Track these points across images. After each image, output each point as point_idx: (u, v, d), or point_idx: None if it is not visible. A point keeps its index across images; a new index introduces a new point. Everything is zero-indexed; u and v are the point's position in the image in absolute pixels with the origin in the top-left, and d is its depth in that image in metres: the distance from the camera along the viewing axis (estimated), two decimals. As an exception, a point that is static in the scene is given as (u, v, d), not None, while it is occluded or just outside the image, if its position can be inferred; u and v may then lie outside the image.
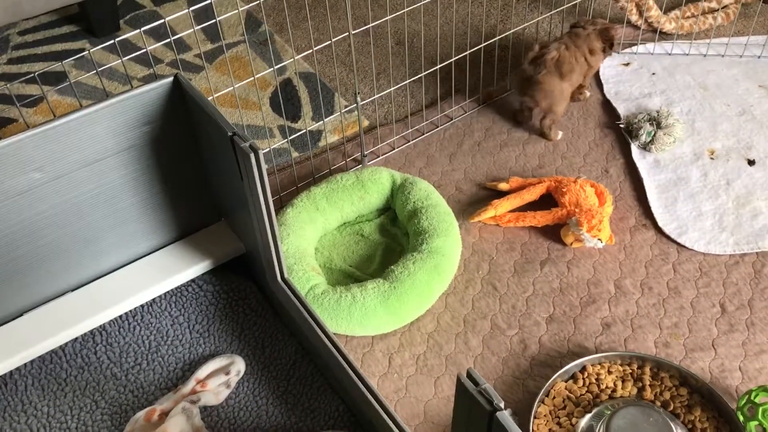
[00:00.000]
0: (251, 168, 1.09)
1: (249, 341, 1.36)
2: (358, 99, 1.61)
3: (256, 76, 1.56)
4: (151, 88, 1.21)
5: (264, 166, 1.09)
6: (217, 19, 1.33)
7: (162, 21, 1.31)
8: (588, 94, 1.88)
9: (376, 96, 1.74)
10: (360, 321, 1.35)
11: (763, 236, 1.52)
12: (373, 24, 1.57)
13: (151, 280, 1.39)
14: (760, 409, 1.17)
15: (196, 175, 1.38)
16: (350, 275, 1.49)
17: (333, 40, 1.50)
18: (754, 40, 2.01)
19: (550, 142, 1.77)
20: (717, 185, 1.64)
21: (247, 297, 1.42)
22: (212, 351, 1.35)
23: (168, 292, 1.44)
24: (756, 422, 1.17)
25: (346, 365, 1.13)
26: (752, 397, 1.19)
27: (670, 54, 2.00)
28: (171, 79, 1.22)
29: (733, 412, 1.21)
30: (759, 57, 1.97)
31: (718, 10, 2.08)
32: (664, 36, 2.05)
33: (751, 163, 1.68)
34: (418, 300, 1.38)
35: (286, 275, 1.28)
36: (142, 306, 1.42)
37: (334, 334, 1.40)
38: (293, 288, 1.26)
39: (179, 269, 1.41)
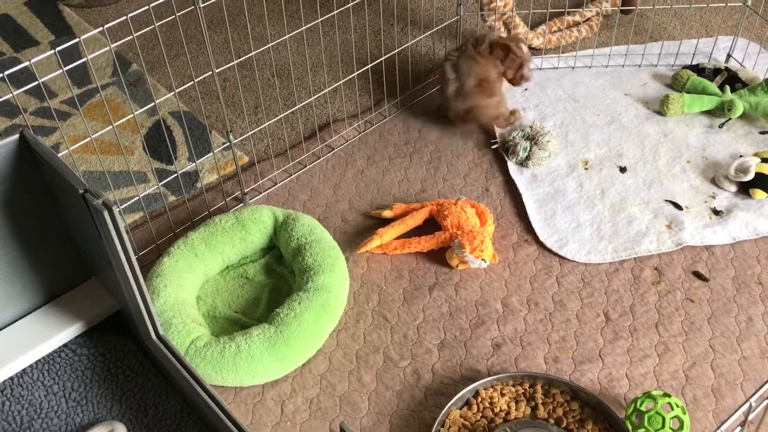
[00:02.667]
0: (106, 225, 1.02)
1: (131, 404, 1.28)
2: (231, 136, 1.57)
3: (118, 122, 1.49)
4: (-6, 149, 1.13)
5: (121, 222, 1.03)
6: (87, 59, 1.25)
7: (25, 64, 1.23)
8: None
9: (250, 132, 1.70)
10: (247, 371, 1.30)
11: (638, 241, 1.57)
12: (237, 61, 1.53)
13: (19, 349, 1.29)
14: (646, 416, 1.19)
15: (59, 234, 1.29)
16: (236, 322, 1.44)
17: (196, 80, 1.45)
18: (616, 50, 2.09)
19: (431, 166, 1.78)
20: (593, 195, 1.68)
21: (125, 357, 1.34)
22: (91, 419, 1.26)
23: (39, 360, 1.34)
24: (644, 430, 1.19)
25: (230, 423, 1.08)
26: (638, 405, 1.21)
27: (540, 69, 2.06)
28: (16, 136, 1.14)
29: (623, 421, 1.23)
30: (623, 66, 2.05)
31: (581, 23, 2.16)
32: (534, 51, 2.11)
33: (622, 170, 1.74)
34: (307, 341, 1.34)
35: (161, 332, 1.21)
36: (11, 378, 1.31)
37: (222, 386, 1.35)
38: (170, 345, 1.20)
39: (50, 334, 1.31)
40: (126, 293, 1.16)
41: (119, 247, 1.04)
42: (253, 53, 1.52)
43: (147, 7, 1.30)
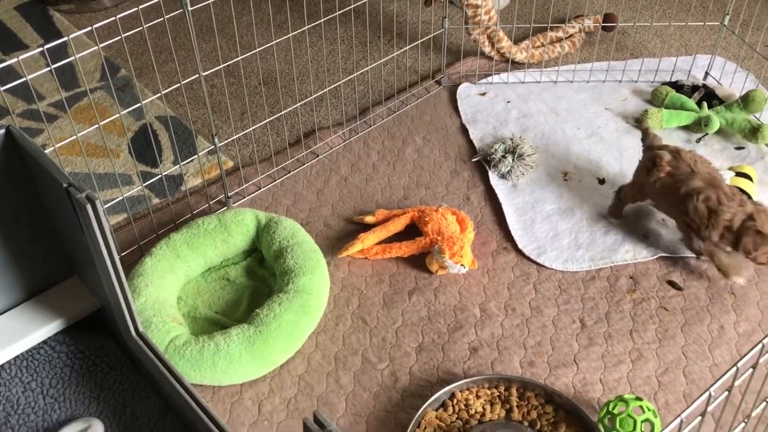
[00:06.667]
0: (89, 219, 1.03)
1: (109, 402, 1.29)
2: (216, 139, 1.58)
3: (104, 122, 1.50)
4: (-21, 143, 1.14)
5: (104, 217, 1.04)
6: (75, 57, 1.27)
7: (11, 61, 1.24)
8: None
9: (235, 136, 1.72)
10: (225, 370, 1.31)
11: (615, 250, 1.60)
12: (224, 65, 1.56)
13: (-3, 346, 1.30)
14: (618, 419, 1.21)
15: (42, 231, 1.30)
16: (217, 323, 1.45)
17: (183, 82, 1.47)
18: (598, 66, 2.14)
19: (414, 174, 1.80)
20: (571, 205, 1.71)
21: (105, 355, 1.35)
22: (68, 416, 1.26)
23: (18, 356, 1.34)
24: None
25: (208, 420, 1.09)
26: (611, 408, 1.23)
27: (523, 82, 2.09)
28: (2, 132, 1.16)
29: (596, 424, 1.25)
30: (604, 81, 2.09)
31: (564, 39, 2.20)
32: (517, 65, 2.15)
33: (601, 182, 1.77)
34: (286, 342, 1.36)
35: (141, 329, 1.22)
36: (-11, 374, 1.32)
37: (201, 385, 1.35)
38: (149, 342, 1.21)
39: (29, 331, 1.32)
40: (107, 288, 1.17)
41: (101, 241, 1.06)
42: (240, 58, 1.54)
43: (135, 9, 1.33)
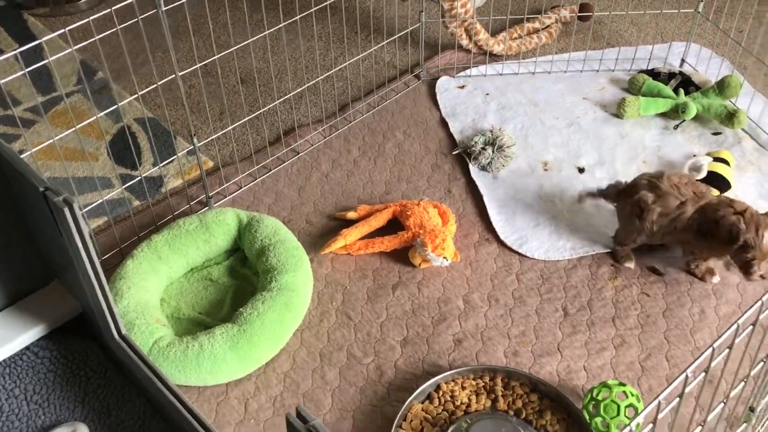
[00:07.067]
0: (67, 223, 1.03)
1: (93, 406, 1.28)
2: (195, 140, 1.58)
3: (81, 125, 1.49)
4: (-48, 150, 1.13)
5: (82, 220, 1.03)
6: (49, 60, 1.26)
7: None
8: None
9: (215, 135, 1.71)
10: (210, 370, 1.30)
11: (596, 239, 1.61)
12: (201, 64, 1.55)
13: (-21, 354, 1.29)
14: (602, 405, 1.22)
15: (21, 237, 1.29)
16: (200, 323, 1.45)
17: (159, 83, 1.46)
18: (575, 56, 2.15)
19: (395, 169, 1.81)
20: (552, 195, 1.72)
21: (88, 358, 1.34)
22: (52, 421, 1.26)
23: (0, 363, 1.33)
24: (600, 418, 1.22)
25: (194, 421, 1.09)
26: (595, 395, 1.24)
27: (501, 74, 2.10)
28: (-24, 137, 1.14)
29: (580, 411, 1.26)
30: (581, 71, 2.10)
31: (541, 30, 2.21)
32: (495, 57, 2.15)
33: (581, 171, 1.79)
34: (270, 340, 1.36)
35: (123, 332, 1.21)
36: (-28, 383, 1.31)
37: (186, 386, 1.35)
38: (132, 344, 1.20)
39: (11, 337, 1.31)
40: (88, 291, 1.16)
41: (80, 244, 1.05)
42: (216, 57, 1.54)
43: (109, 10, 1.32)
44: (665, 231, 1.47)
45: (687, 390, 0.73)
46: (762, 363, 0.96)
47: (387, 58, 2.17)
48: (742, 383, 0.96)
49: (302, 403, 1.32)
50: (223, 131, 1.72)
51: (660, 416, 0.74)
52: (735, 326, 0.76)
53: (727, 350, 0.80)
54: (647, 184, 1.48)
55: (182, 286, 1.53)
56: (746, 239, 1.36)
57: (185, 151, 1.81)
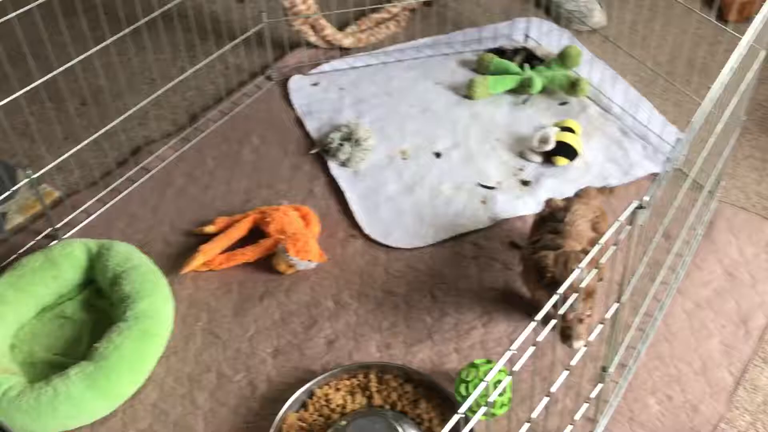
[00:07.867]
0: None
1: (-59, 473, 1.18)
2: (29, 171, 1.48)
3: None
4: None
5: None
6: None
7: None
8: None
9: (53, 164, 1.61)
10: (68, 413, 1.23)
11: (457, 221, 1.63)
12: (23, 92, 1.45)
13: None
14: (470, 384, 1.24)
15: None
16: (58, 365, 1.36)
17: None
18: (423, 42, 2.17)
19: (254, 175, 1.76)
20: (412, 183, 1.73)
21: (-70, 423, 1.24)
22: None
23: None
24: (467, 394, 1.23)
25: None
26: (463, 376, 1.25)
27: (354, 68, 2.09)
28: None
29: (453, 395, 1.27)
30: (431, 57, 2.12)
31: (389, 19, 2.21)
32: (346, 51, 2.14)
33: (438, 155, 1.80)
34: (131, 372, 1.29)
35: (-40, 389, 1.12)
36: None
37: (44, 435, 1.27)
38: (-29, 401, 1.11)
39: None
40: None
41: None
42: (42, 81, 1.44)
43: None
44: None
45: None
46: (600, 326, 0.99)
47: (237, 63, 2.11)
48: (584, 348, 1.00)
49: (173, 433, 1.27)
50: (61, 158, 1.62)
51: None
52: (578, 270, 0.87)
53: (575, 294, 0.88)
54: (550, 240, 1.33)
55: (34, 327, 1.43)
56: (553, 273, 1.26)
57: (22, 184, 1.69)
